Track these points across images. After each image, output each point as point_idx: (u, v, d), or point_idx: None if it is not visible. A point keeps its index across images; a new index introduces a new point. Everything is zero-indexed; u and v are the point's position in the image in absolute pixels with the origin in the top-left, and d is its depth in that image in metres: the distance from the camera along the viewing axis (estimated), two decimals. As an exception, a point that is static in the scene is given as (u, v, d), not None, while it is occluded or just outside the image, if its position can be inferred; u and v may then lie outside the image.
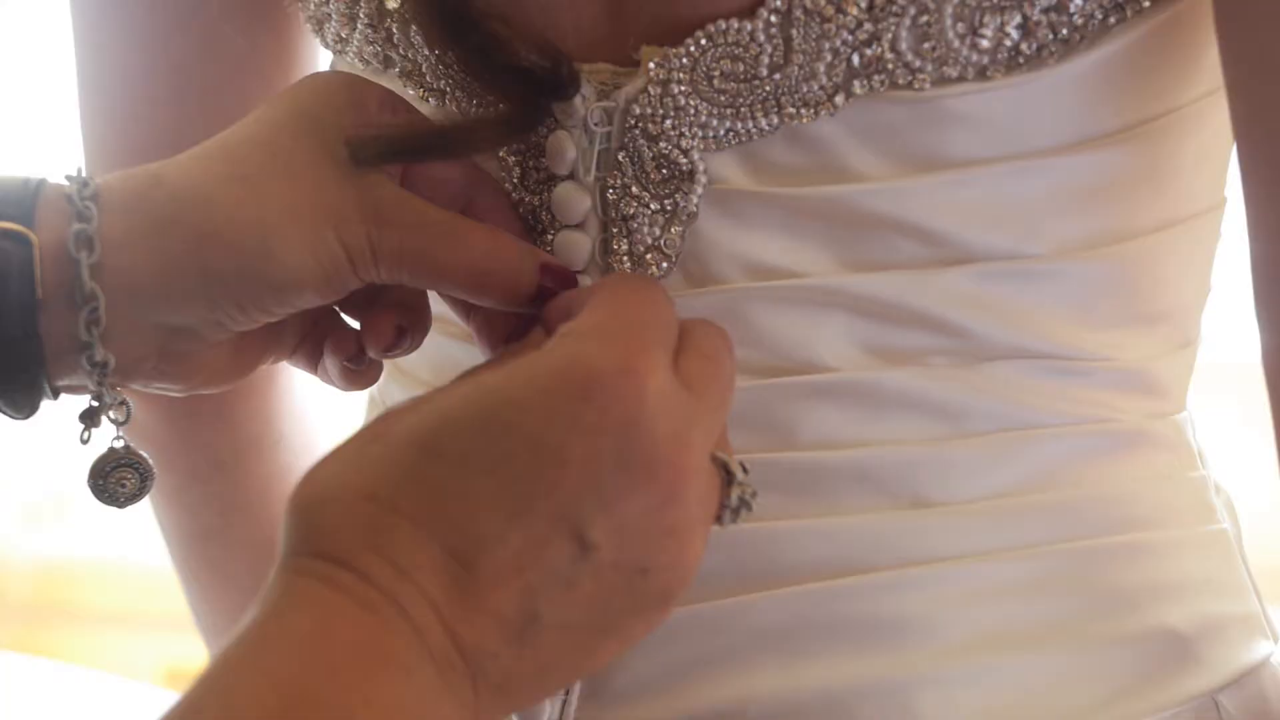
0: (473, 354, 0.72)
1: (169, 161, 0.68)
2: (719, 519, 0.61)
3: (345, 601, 0.55)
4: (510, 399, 0.57)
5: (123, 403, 0.69)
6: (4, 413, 0.68)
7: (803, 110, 0.67)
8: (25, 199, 0.66)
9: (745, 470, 0.62)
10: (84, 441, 0.70)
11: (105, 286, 0.66)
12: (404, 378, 0.78)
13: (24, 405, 0.67)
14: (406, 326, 0.70)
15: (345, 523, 0.56)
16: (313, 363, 0.73)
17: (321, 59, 0.83)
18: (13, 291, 0.65)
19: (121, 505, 0.71)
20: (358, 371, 0.72)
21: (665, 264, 0.69)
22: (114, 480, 0.70)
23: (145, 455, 0.71)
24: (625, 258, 0.69)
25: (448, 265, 0.67)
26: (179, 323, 0.67)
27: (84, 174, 0.67)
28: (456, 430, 0.57)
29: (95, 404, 0.69)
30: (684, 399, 0.59)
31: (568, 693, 0.71)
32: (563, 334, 0.60)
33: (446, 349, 0.74)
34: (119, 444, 0.70)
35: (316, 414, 0.93)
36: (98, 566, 2.01)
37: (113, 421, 0.69)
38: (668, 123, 0.68)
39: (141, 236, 0.66)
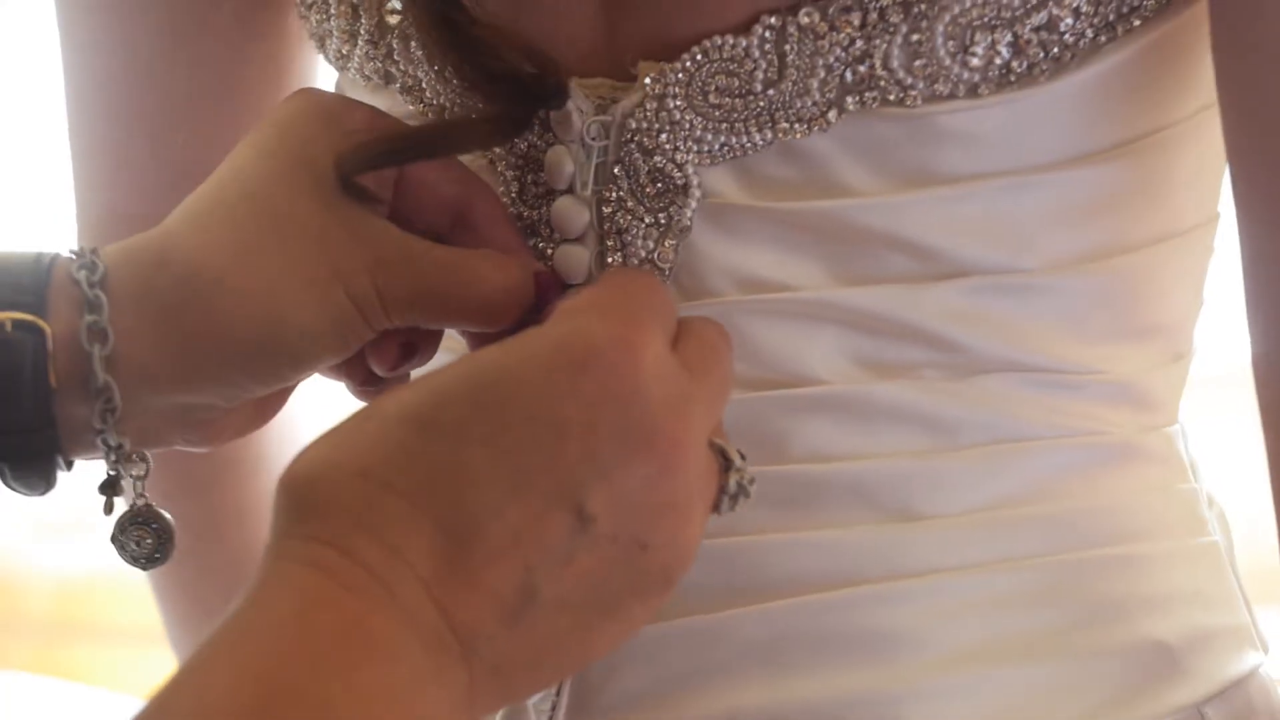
0: None
1: (170, 232, 0.68)
2: (716, 506, 0.61)
3: (329, 585, 0.54)
4: (508, 372, 0.57)
5: (142, 459, 0.69)
6: (19, 493, 0.68)
7: (796, 126, 0.68)
8: (37, 285, 0.66)
9: (743, 457, 0.62)
10: (107, 512, 0.70)
11: (119, 376, 0.66)
12: None
13: (39, 486, 0.68)
14: (416, 342, 0.70)
15: (335, 501, 0.55)
16: (335, 376, 0.74)
17: (321, 70, 0.84)
18: (27, 381, 0.65)
19: (142, 567, 0.71)
20: (375, 390, 0.72)
21: (659, 277, 0.70)
22: (131, 539, 0.70)
23: (168, 517, 0.71)
24: None
25: (458, 303, 0.67)
26: (195, 401, 0.68)
27: (90, 252, 0.67)
28: (452, 404, 0.57)
29: (113, 474, 0.69)
30: (683, 375, 0.59)
31: (554, 708, 0.71)
32: (560, 312, 0.59)
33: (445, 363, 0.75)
34: (140, 502, 0.70)
35: (301, 436, 0.91)
36: (116, 582, 2.00)
37: (134, 478, 0.70)
38: (663, 137, 0.69)
39: (153, 324, 0.66)
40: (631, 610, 0.58)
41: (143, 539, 0.70)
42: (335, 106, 0.69)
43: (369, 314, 0.67)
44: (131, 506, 0.70)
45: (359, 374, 0.71)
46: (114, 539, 0.70)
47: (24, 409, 0.65)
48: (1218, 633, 0.72)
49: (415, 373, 0.75)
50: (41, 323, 0.66)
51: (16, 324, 0.65)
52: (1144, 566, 0.71)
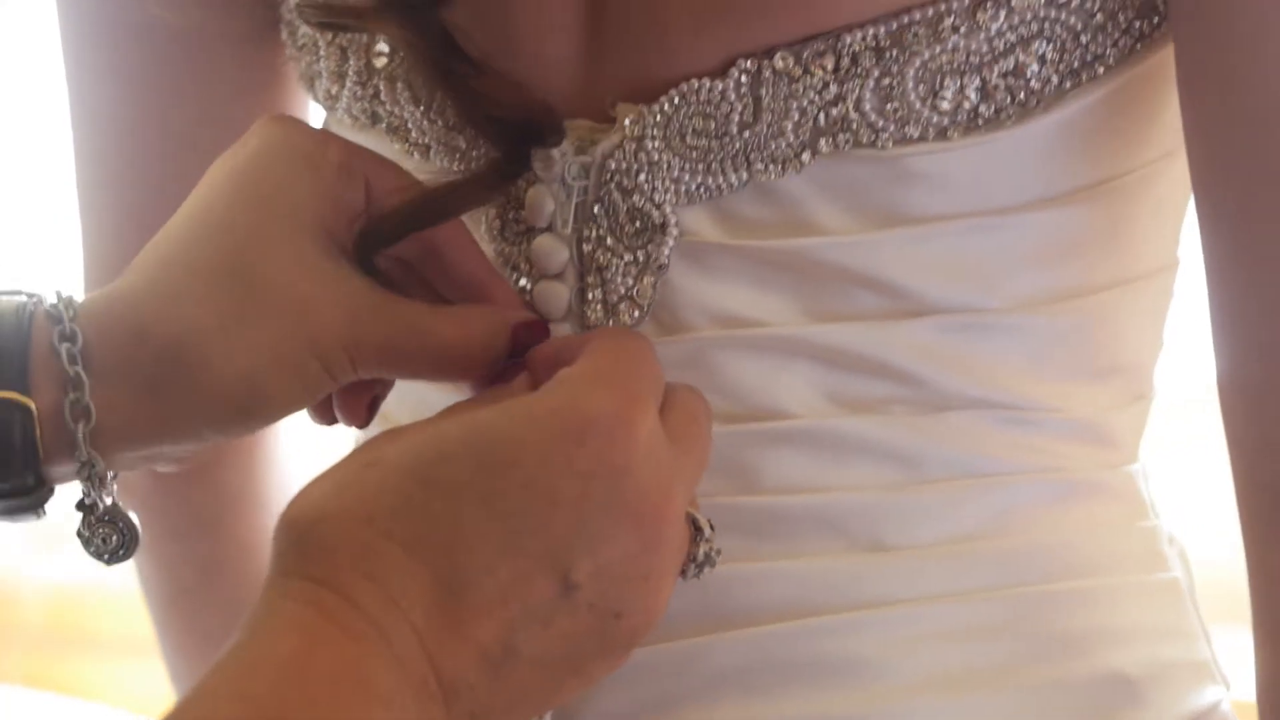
0: (453, 399, 0.74)
1: (144, 302, 0.68)
2: (683, 573, 0.64)
3: (329, 627, 0.56)
4: (508, 436, 0.60)
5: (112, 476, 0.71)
6: (10, 522, 0.70)
7: (771, 166, 0.70)
8: (18, 356, 0.67)
9: (712, 528, 0.65)
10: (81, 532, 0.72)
11: (101, 445, 0.68)
12: (385, 424, 0.80)
13: (29, 519, 0.70)
14: (380, 394, 0.72)
15: (338, 545, 0.58)
16: None
17: (314, 112, 0.85)
18: (18, 453, 0.67)
19: (106, 562, 0.72)
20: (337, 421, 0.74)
21: (637, 313, 0.72)
22: (99, 536, 0.71)
23: (131, 515, 0.72)
24: (599, 306, 0.72)
25: (421, 360, 0.69)
26: (170, 451, 0.70)
27: (67, 307, 0.68)
28: (453, 462, 0.59)
29: (89, 501, 0.71)
30: (670, 451, 0.62)
31: (538, 727, 0.73)
32: (560, 379, 0.62)
33: (424, 394, 0.76)
34: (107, 500, 0.71)
35: (302, 475, 0.93)
36: (111, 594, 2.00)
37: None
38: (641, 177, 0.71)
39: (133, 399, 0.68)
40: (595, 669, 0.61)
41: (109, 536, 0.71)
42: (310, 145, 0.70)
43: (337, 374, 0.69)
44: (103, 505, 0.72)
45: (325, 418, 0.73)
46: (80, 534, 0.72)
47: (18, 472, 0.67)
48: (1178, 666, 0.74)
49: (398, 406, 0.77)
50: (27, 401, 0.67)
51: (3, 402, 0.66)
52: (1104, 600, 0.73)
